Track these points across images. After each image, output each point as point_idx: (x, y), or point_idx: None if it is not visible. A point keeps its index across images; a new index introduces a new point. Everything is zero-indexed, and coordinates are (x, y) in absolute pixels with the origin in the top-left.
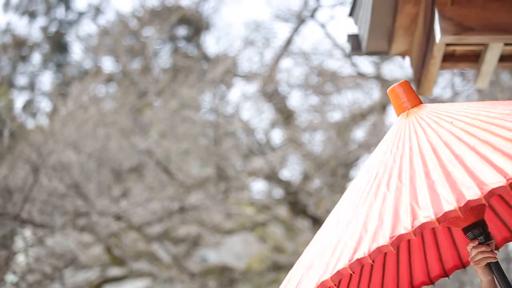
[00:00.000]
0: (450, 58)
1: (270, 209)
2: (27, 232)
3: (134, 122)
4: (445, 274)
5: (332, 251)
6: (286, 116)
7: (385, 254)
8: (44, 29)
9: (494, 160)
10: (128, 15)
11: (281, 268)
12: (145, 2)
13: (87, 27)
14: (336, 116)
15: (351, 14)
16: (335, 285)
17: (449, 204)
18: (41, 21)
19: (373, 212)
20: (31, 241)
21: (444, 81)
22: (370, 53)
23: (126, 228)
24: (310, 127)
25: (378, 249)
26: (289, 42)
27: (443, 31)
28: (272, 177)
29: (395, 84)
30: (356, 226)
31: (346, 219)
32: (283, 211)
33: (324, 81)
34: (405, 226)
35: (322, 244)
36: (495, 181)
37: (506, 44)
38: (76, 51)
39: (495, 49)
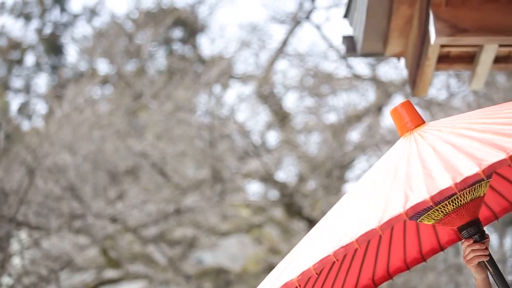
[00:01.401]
0: (445, 60)
1: (266, 210)
2: (23, 234)
3: (130, 124)
4: (422, 258)
5: (316, 244)
6: (281, 118)
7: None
8: (39, 31)
9: (495, 141)
10: (123, 17)
11: None
12: (140, 4)
13: (82, 29)
14: (331, 117)
15: (346, 15)
16: (317, 274)
17: (445, 183)
18: (36, 23)
19: (364, 207)
20: (27, 243)
21: (439, 82)
22: (365, 55)
23: (121, 230)
24: (305, 129)
25: (366, 234)
26: (284, 43)
27: (438, 33)
28: (267, 179)
29: (397, 104)
30: (344, 221)
31: (335, 220)
32: (278, 213)
33: (319, 83)
34: (396, 209)
35: (306, 242)
36: (494, 156)
37: (501, 46)
38: (72, 53)
39: (490, 51)
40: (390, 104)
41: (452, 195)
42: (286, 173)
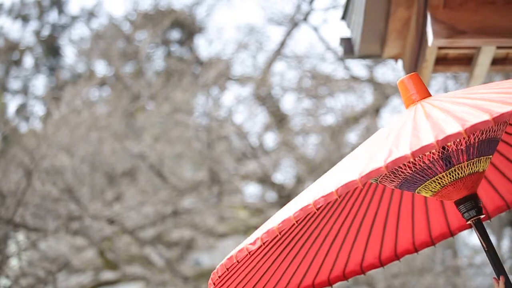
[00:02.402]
0: (442, 62)
1: (263, 212)
2: (20, 236)
3: (127, 126)
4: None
5: (304, 195)
6: (279, 120)
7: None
8: (37, 33)
9: (483, 105)
10: (121, 19)
11: None
12: (138, 6)
13: (80, 31)
14: (329, 119)
15: (343, 17)
16: (296, 222)
17: (427, 140)
18: (34, 25)
19: (352, 163)
20: (24, 245)
21: (437, 84)
22: (362, 57)
23: (119, 232)
24: (303, 131)
25: (346, 185)
26: (282, 45)
27: (436, 35)
28: (265, 180)
29: (405, 76)
30: (332, 175)
31: (326, 176)
32: None
33: (317, 85)
34: (377, 163)
35: (300, 195)
36: (479, 117)
37: (498, 47)
38: (69, 55)
39: (487, 52)
40: (388, 106)
41: (450, 166)
42: (284, 175)
